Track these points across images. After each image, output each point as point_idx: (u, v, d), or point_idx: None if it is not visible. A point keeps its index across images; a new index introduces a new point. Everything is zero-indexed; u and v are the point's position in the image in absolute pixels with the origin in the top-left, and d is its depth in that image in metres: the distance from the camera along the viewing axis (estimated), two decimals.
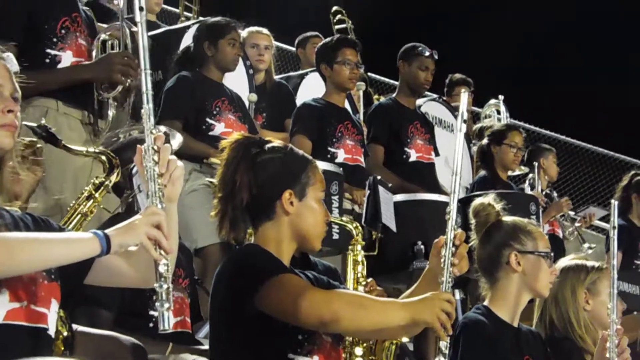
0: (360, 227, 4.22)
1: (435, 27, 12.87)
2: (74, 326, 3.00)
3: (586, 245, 7.80)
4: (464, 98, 2.84)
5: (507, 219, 3.64)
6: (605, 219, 8.93)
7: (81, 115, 4.28)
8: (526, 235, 3.59)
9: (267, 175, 2.86)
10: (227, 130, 5.33)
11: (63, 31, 4.22)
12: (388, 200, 5.14)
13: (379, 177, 5.20)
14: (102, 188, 3.45)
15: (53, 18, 4.21)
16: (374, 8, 12.22)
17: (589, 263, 4.00)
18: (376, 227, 4.98)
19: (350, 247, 4.09)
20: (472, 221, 3.64)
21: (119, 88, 4.21)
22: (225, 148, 2.91)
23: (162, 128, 3.47)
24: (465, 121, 2.81)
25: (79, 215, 3.41)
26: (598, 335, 3.64)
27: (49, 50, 4.19)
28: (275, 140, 3.00)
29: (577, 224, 7.73)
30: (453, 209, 2.79)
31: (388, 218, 5.07)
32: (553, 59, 14.67)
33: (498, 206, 3.65)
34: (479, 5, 14.23)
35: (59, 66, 4.20)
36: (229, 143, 2.92)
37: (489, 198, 3.69)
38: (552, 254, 3.60)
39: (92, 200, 3.43)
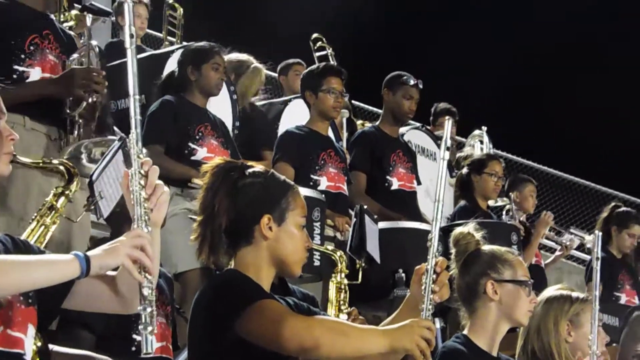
0: (344, 256, 4.22)
1: (419, 55, 12.94)
2: (50, 346, 2.98)
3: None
4: (447, 125, 2.85)
5: (486, 248, 3.64)
6: (583, 248, 8.94)
7: (48, 131, 4.26)
8: (503, 263, 3.59)
9: (246, 199, 2.85)
10: (209, 155, 5.32)
11: (32, 47, 4.21)
12: (373, 232, 5.15)
13: (365, 207, 5.20)
14: (63, 198, 3.44)
15: (20, 35, 4.20)
16: (358, 34, 12.30)
17: (574, 294, 4.00)
18: (360, 256, 4.98)
19: (333, 274, 4.08)
20: (452, 250, 3.64)
21: (83, 104, 4.16)
22: (206, 172, 2.91)
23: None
24: (448, 148, 2.82)
25: (42, 227, 3.39)
26: None
27: (16, 67, 4.17)
28: (257, 165, 3.00)
29: (557, 253, 7.74)
30: (435, 235, 2.79)
31: (372, 248, 5.08)
32: (537, 90, 14.77)
33: (478, 235, 3.65)
34: (465, 33, 14.33)
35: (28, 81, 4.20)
36: (210, 167, 2.91)
37: (469, 227, 3.69)
38: (530, 282, 3.59)
39: (54, 211, 3.41)
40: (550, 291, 3.99)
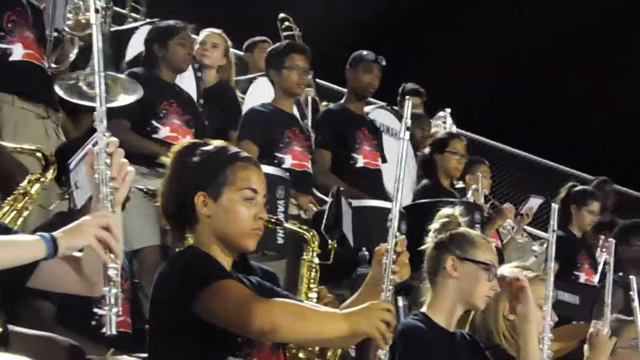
0: (316, 235, 4.21)
1: (390, 36, 12.93)
2: (10, 327, 2.95)
3: (536, 247, 7.85)
4: (407, 105, 2.84)
5: (462, 228, 3.68)
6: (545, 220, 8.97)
7: (37, 109, 4.22)
8: (469, 243, 3.61)
9: (184, 179, 2.87)
10: (171, 135, 5.32)
11: (10, 25, 4.16)
12: (348, 214, 5.16)
13: (341, 188, 5.21)
14: (38, 184, 3.40)
15: None
16: (325, 15, 12.25)
17: (517, 271, 4.01)
18: (334, 236, 4.98)
19: (305, 253, 4.08)
20: (434, 225, 3.68)
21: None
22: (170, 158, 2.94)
23: None
24: (408, 128, 2.79)
25: (14, 212, 3.36)
26: (519, 344, 3.67)
27: None
28: (215, 142, 2.98)
29: (520, 223, 7.73)
30: (395, 215, 2.77)
31: (347, 230, 5.09)
32: (501, 71, 14.84)
33: (461, 219, 3.70)
34: (429, 15, 14.34)
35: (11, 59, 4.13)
36: (171, 153, 2.94)
37: (457, 209, 3.74)
38: (494, 267, 3.59)
39: (27, 197, 3.38)
40: (502, 269, 4.02)
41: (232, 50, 7.12)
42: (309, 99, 7.22)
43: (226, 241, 2.86)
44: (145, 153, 5.17)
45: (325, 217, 4.99)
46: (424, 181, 6.80)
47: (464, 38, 14.09)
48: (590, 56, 13.78)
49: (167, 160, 2.96)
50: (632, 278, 4.18)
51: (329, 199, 5.09)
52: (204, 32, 6.87)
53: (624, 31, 13.60)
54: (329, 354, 3.62)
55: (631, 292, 4.08)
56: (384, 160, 6.56)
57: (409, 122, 2.81)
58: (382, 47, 6.63)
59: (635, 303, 4.07)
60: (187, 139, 3.05)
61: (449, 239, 3.64)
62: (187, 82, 6.12)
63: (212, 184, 2.84)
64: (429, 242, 3.66)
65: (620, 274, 6.49)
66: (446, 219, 3.68)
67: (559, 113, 14.39)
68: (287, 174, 5.39)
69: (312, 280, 3.93)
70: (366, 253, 5.20)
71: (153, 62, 5.60)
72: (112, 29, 6.50)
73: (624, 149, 13.44)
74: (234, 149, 2.97)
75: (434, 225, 3.69)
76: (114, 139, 2.40)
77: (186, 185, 2.85)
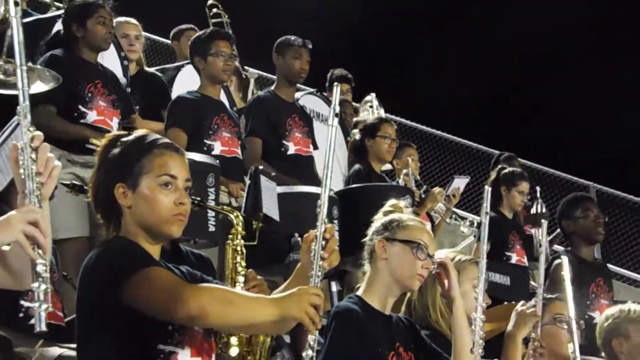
0: (240, 217, 4.20)
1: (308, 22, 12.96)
2: None
3: (467, 223, 7.92)
4: (335, 92, 2.84)
5: (394, 214, 3.72)
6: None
7: None
8: (398, 224, 3.64)
9: (104, 171, 2.90)
10: (99, 118, 5.27)
11: None
12: (270, 190, 5.12)
13: (260, 168, 5.18)
14: None
15: None
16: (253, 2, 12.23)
17: (453, 255, 4.07)
18: (256, 217, 4.96)
19: (230, 236, 4.07)
20: (378, 215, 3.73)
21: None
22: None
23: None
24: (337, 115, 2.80)
25: None
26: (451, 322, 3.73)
27: None
28: (140, 132, 2.98)
29: (447, 204, 7.79)
30: (324, 202, 2.78)
31: (270, 207, 5.06)
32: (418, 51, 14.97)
33: (407, 209, 3.75)
34: None
35: None
36: (103, 143, 2.95)
37: (404, 201, 3.80)
38: (422, 244, 3.61)
39: None
40: (439, 253, 4.05)
41: (156, 38, 7.08)
42: (252, 81, 7.19)
43: (149, 230, 2.86)
44: (73, 138, 5.09)
45: (244, 199, 4.99)
46: (356, 166, 6.81)
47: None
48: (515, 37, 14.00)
49: (97, 142, 2.97)
50: (564, 258, 4.27)
51: (247, 179, 5.08)
52: (122, 23, 6.76)
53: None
54: (260, 340, 3.62)
55: (562, 273, 4.15)
56: (316, 147, 6.56)
57: (337, 108, 2.81)
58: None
59: (566, 280, 4.12)
60: (112, 134, 3.02)
61: (382, 224, 3.68)
62: (113, 70, 6.02)
63: (130, 175, 2.86)
64: (372, 227, 3.70)
65: (569, 248, 6.65)
66: (389, 208, 3.70)
67: (488, 95, 14.58)
68: (217, 161, 5.35)
69: (238, 264, 3.90)
70: (299, 239, 5.20)
71: (72, 43, 5.49)
72: (34, 17, 6.40)
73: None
74: (153, 136, 2.96)
75: (378, 215, 3.72)
76: (39, 133, 2.37)
77: (107, 178, 2.88)
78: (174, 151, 2.93)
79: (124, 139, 2.93)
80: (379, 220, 3.73)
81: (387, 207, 3.78)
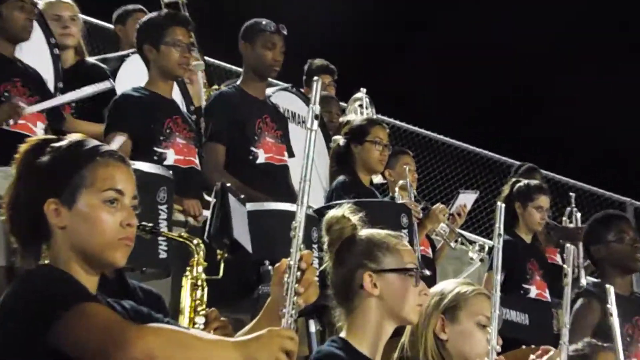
0: (202, 245, 4.18)
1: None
2: None
3: (476, 247, 7.91)
4: (316, 87, 2.79)
5: (363, 232, 3.65)
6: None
7: None
8: (383, 250, 3.60)
9: (31, 184, 2.84)
10: (20, 122, 5.24)
11: None
12: (240, 214, 5.12)
13: (227, 184, 5.16)
14: None
15: None
16: None
17: (454, 287, 4.04)
18: (222, 245, 4.94)
19: (188, 268, 4.04)
20: (325, 239, 3.65)
21: None
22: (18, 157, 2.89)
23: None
24: (317, 116, 2.76)
25: None
26: None
27: None
28: (72, 136, 2.94)
29: (451, 225, 7.74)
30: (300, 223, 2.74)
31: (241, 234, 5.05)
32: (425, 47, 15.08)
33: (354, 218, 3.65)
34: None
35: None
36: (20, 152, 2.89)
37: (343, 209, 3.69)
38: (418, 270, 3.59)
39: None
40: (439, 285, 4.04)
41: (96, 21, 7.06)
42: (200, 74, 7.13)
43: (87, 256, 2.82)
44: None
45: (209, 221, 4.96)
46: (340, 178, 6.81)
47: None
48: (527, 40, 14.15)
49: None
50: (609, 287, 4.08)
51: (212, 199, 5.05)
52: (53, 3, 6.71)
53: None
54: None
55: (608, 305, 4.04)
56: (291, 155, 6.56)
57: (317, 108, 2.78)
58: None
59: (614, 318, 4.00)
60: (37, 136, 2.99)
61: (353, 251, 3.62)
62: (40, 62, 6.00)
63: (65, 188, 2.81)
64: (327, 259, 3.63)
65: (598, 280, 6.54)
66: (337, 226, 3.64)
67: (493, 94, 14.66)
68: (170, 172, 5.34)
69: (198, 302, 3.89)
70: (269, 268, 5.18)
71: None
72: None
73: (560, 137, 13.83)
74: (92, 142, 2.93)
75: (325, 237, 3.65)
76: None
77: (34, 192, 2.82)
78: (121, 161, 2.89)
79: (55, 145, 2.87)
80: (333, 243, 3.64)
81: (331, 224, 3.66)
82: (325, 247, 3.65)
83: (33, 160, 2.85)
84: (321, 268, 3.69)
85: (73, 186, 2.81)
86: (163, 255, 4.97)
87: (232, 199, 5.04)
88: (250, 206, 5.53)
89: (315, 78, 2.86)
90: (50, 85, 5.92)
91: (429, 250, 7.46)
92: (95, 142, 2.94)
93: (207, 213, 5.56)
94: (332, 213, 3.68)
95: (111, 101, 5.96)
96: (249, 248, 5.09)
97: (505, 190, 7.52)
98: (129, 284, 3.94)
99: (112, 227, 2.81)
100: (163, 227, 5.00)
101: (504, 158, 12.90)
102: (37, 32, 5.93)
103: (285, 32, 6.41)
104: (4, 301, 2.75)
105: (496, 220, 3.64)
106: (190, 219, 5.66)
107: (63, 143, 2.88)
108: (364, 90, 8.88)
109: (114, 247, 2.82)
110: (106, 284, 2.96)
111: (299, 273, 2.77)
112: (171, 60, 5.87)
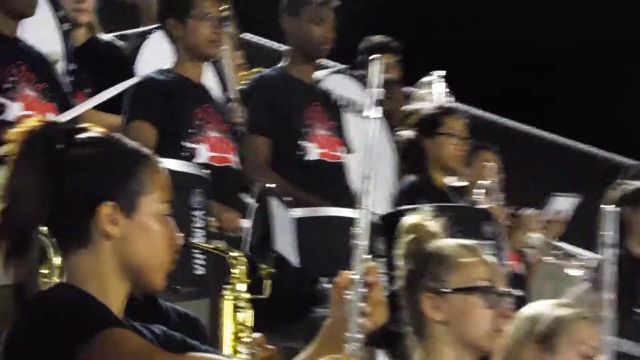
0: (243, 258, 4.22)
1: None
2: None
3: (577, 263, 7.90)
4: (375, 68, 2.83)
5: (434, 244, 3.69)
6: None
7: None
8: (446, 265, 3.63)
9: (75, 181, 2.84)
10: (27, 113, 5.29)
11: None
12: (284, 221, 5.16)
13: (270, 186, 5.21)
14: None
15: None
16: None
17: (551, 311, 4.05)
18: (265, 257, 4.99)
19: (228, 287, 4.11)
20: (399, 251, 3.70)
21: None
22: (15, 140, 2.85)
23: None
24: (379, 102, 2.81)
25: None
26: None
27: None
28: (94, 127, 2.95)
29: (546, 234, 7.71)
30: (363, 229, 2.75)
31: (285, 245, 5.09)
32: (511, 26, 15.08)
33: (434, 226, 3.70)
34: None
35: None
36: (21, 133, 2.86)
37: (421, 214, 3.74)
38: (493, 288, 3.61)
39: None
40: (534, 307, 4.05)
41: None
42: (226, 62, 7.15)
43: (136, 275, 2.86)
44: None
45: (249, 231, 4.99)
46: (409, 178, 6.84)
47: None
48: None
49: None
50: None
51: (252, 203, 5.08)
52: None
53: None
54: None
55: None
56: (349, 150, 6.61)
57: (379, 91, 2.81)
58: None
59: None
60: (42, 117, 3.02)
61: (417, 267, 3.66)
62: (45, 39, 6.05)
63: (123, 192, 2.83)
64: (400, 275, 3.69)
65: None
66: (413, 235, 3.68)
67: (597, 88, 14.59)
68: (207, 171, 5.40)
69: (241, 326, 3.94)
70: (327, 285, 5.23)
71: None
72: None
73: None
74: (126, 140, 2.95)
75: (399, 248, 3.70)
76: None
77: (80, 190, 2.83)
78: (162, 165, 2.94)
79: (87, 136, 2.87)
80: (407, 256, 3.70)
81: (407, 233, 3.71)
82: (399, 260, 3.69)
83: (58, 150, 2.85)
84: (392, 287, 3.74)
85: (131, 191, 2.83)
86: (199, 271, 5.01)
87: (274, 202, 5.08)
88: (300, 212, 5.58)
89: (375, 56, 2.88)
90: (59, 65, 5.97)
91: (520, 266, 7.45)
92: (129, 140, 2.97)
93: (246, 222, 5.62)
94: (407, 219, 3.73)
95: (131, 86, 6.01)
96: (294, 261, 5.14)
97: (613, 193, 7.50)
98: (161, 305, 3.99)
99: (168, 246, 2.88)
100: (199, 237, 5.05)
101: (611, 155, 12.85)
102: (42, 4, 5.97)
103: (337, 3, 6.44)
104: (18, 332, 2.79)
105: (603, 229, 3.66)
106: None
107: (100, 135, 2.90)
108: (437, 72, 8.86)
109: (163, 269, 2.88)
110: (133, 305, 2.98)
111: (364, 289, 2.76)
112: (200, 37, 5.91)
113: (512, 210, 7.45)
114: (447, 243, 3.70)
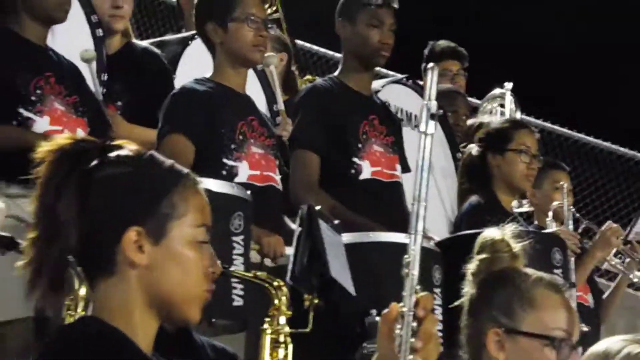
0: (285, 288, 4.21)
1: None
2: None
3: None
4: (431, 77, 2.79)
5: (519, 271, 3.64)
6: None
7: None
8: (525, 303, 3.58)
9: (101, 202, 2.83)
10: (54, 128, 5.34)
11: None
12: (335, 245, 5.14)
13: (316, 207, 5.18)
14: None
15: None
16: None
17: (618, 347, 4.00)
18: (310, 286, 4.96)
19: (267, 319, 4.10)
20: (471, 266, 3.66)
21: None
22: (43, 160, 2.86)
23: None
24: (434, 116, 2.77)
25: None
26: None
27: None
28: (130, 144, 2.95)
29: (631, 253, 7.62)
30: (414, 256, 2.75)
31: (341, 273, 5.07)
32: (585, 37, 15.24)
33: (517, 246, 3.65)
34: None
35: None
36: (50, 152, 2.86)
37: (504, 231, 3.67)
38: (565, 340, 3.57)
39: None
40: (603, 344, 3.99)
41: None
42: (272, 68, 7.13)
43: (166, 307, 2.86)
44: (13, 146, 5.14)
45: (292, 257, 4.97)
46: (473, 199, 6.82)
47: None
48: None
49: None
50: None
51: (296, 226, 5.05)
52: None
53: None
54: None
55: None
56: (406, 169, 6.59)
57: (433, 104, 2.74)
58: None
59: None
60: (71, 135, 3.01)
61: (487, 293, 3.62)
62: (77, 46, 6.07)
63: (152, 215, 2.83)
64: (465, 296, 3.65)
65: None
66: (489, 254, 3.65)
67: None
68: (248, 192, 5.38)
69: None
70: (376, 319, 5.19)
71: (9, 10, 5.58)
72: None
73: None
74: (163, 158, 2.95)
75: (471, 265, 3.66)
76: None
77: (106, 214, 2.83)
78: (201, 185, 2.93)
79: (119, 154, 2.88)
80: (478, 275, 3.66)
81: (484, 248, 3.66)
82: (468, 276, 3.66)
83: (89, 170, 2.86)
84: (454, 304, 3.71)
85: (163, 214, 2.84)
86: (238, 302, 5.03)
87: (323, 225, 5.05)
88: (350, 237, 5.57)
89: (431, 65, 2.84)
90: (91, 77, 5.98)
91: (588, 298, 7.38)
92: (168, 159, 2.96)
93: (290, 248, 5.60)
94: (488, 233, 3.67)
95: (168, 96, 6.00)
96: (352, 290, 5.12)
97: None
98: (195, 339, 3.98)
99: (202, 275, 2.87)
100: (238, 265, 5.05)
101: None
102: (74, 7, 5.98)
103: (396, 6, 6.41)
104: None
105: None
106: (267, 260, 5.65)
107: (133, 153, 2.90)
108: (509, 85, 8.84)
109: (199, 300, 2.88)
110: (164, 340, 2.98)
111: (415, 323, 2.75)
112: (244, 41, 5.90)
113: (586, 223, 7.39)
114: (529, 273, 3.66)
